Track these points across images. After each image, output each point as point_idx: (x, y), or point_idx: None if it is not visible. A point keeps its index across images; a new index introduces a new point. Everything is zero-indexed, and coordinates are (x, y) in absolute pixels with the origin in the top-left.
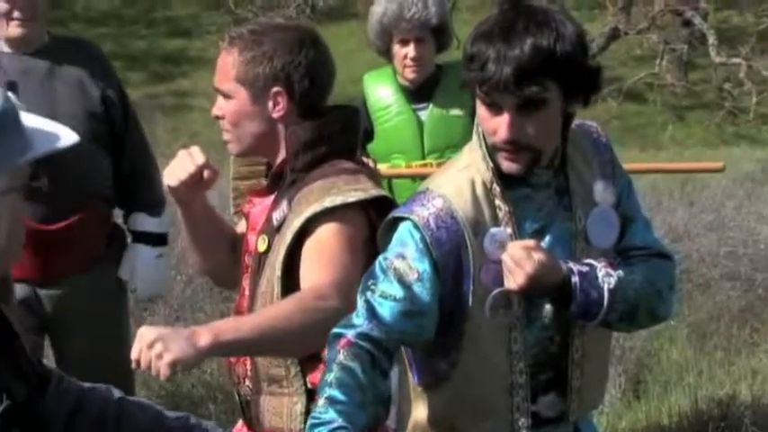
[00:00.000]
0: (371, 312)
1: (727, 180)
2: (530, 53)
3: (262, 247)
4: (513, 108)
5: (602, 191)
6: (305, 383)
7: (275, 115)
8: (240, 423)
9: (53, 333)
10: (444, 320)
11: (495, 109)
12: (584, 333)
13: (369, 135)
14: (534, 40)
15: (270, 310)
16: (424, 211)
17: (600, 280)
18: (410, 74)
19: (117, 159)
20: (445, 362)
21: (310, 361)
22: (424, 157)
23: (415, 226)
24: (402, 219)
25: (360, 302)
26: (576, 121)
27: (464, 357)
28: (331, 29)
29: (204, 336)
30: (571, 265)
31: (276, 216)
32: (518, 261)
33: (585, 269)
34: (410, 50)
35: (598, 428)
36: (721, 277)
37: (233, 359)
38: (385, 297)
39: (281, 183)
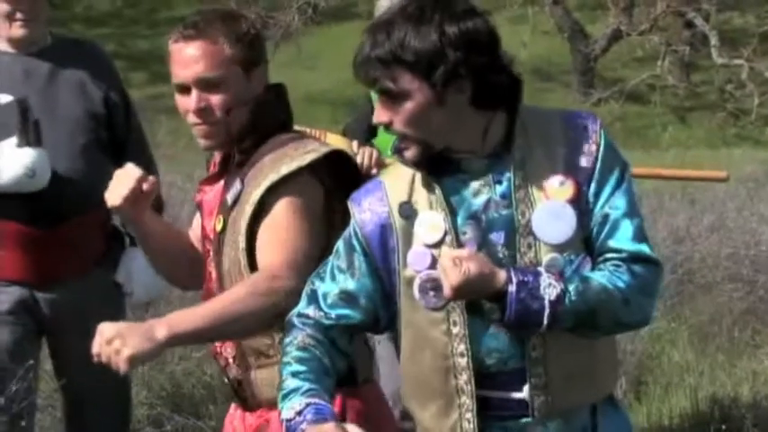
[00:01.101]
0: (312, 299)
1: (728, 181)
2: (381, 49)
3: (218, 227)
4: (379, 96)
5: (557, 185)
6: None
7: (253, 94)
8: (233, 407)
9: (51, 336)
10: (386, 301)
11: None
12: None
13: (373, 130)
14: (393, 37)
15: (224, 296)
16: (361, 196)
17: (542, 290)
18: None
19: (118, 162)
20: (398, 339)
21: None
22: None
23: (353, 211)
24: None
25: (306, 288)
26: (568, 110)
27: (405, 338)
28: (333, 29)
29: (161, 329)
30: (512, 273)
31: (229, 195)
32: (445, 271)
33: (528, 278)
34: None
35: (624, 418)
36: (723, 279)
37: (218, 343)
38: (324, 282)
39: (229, 166)
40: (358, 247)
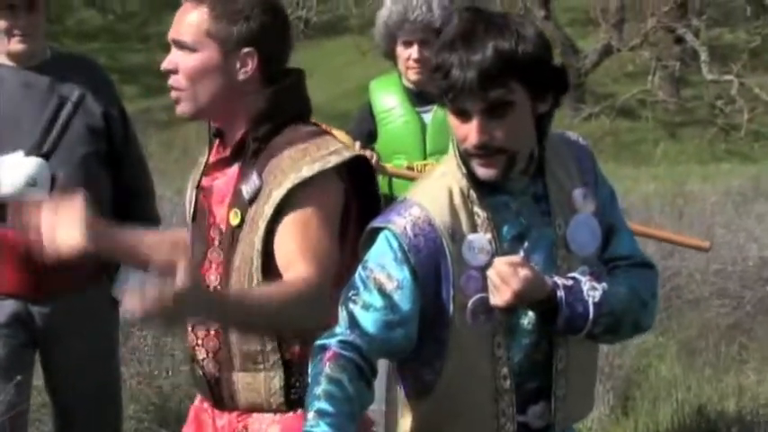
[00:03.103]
0: (354, 323)
1: (717, 197)
2: (492, 56)
3: (235, 221)
4: (480, 112)
5: (581, 198)
6: (282, 357)
7: (240, 77)
8: (198, 400)
9: (43, 349)
10: (426, 328)
11: (464, 116)
12: (567, 342)
13: (373, 137)
14: (495, 43)
15: (262, 293)
16: (401, 220)
17: (585, 294)
18: (413, 75)
19: (116, 176)
20: (429, 371)
21: (287, 335)
22: (425, 158)
23: (393, 235)
24: (380, 229)
25: (342, 314)
26: (556, 131)
27: (448, 365)
28: (325, 44)
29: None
30: (556, 279)
31: (246, 189)
32: (504, 278)
33: (570, 283)
34: (413, 52)
35: None
36: (710, 294)
37: (200, 335)
38: (366, 308)
39: (243, 153)
40: (408, 273)
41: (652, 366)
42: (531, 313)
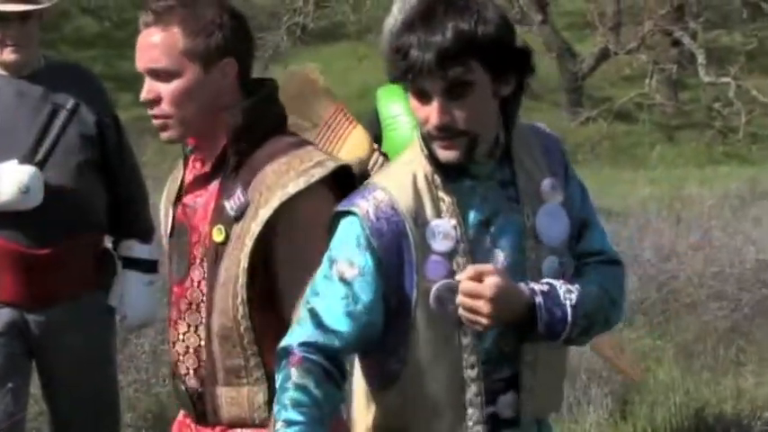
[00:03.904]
0: (317, 321)
1: (714, 200)
2: (451, 37)
3: (219, 238)
4: (440, 93)
5: (549, 188)
6: (265, 371)
7: (223, 90)
8: (181, 415)
9: (40, 358)
10: (390, 316)
11: (425, 97)
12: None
13: (378, 142)
14: (455, 23)
15: None
16: (365, 203)
17: (562, 297)
18: None
19: (110, 185)
20: (394, 360)
21: (271, 349)
22: None
23: (356, 219)
24: (344, 213)
25: (303, 311)
26: (530, 122)
27: (413, 353)
28: (322, 50)
29: None
30: (532, 285)
31: (230, 205)
32: (473, 292)
33: (546, 288)
34: None
35: None
36: (708, 297)
37: (180, 351)
38: (328, 301)
39: (224, 168)
40: (371, 259)
41: (650, 370)
42: None
